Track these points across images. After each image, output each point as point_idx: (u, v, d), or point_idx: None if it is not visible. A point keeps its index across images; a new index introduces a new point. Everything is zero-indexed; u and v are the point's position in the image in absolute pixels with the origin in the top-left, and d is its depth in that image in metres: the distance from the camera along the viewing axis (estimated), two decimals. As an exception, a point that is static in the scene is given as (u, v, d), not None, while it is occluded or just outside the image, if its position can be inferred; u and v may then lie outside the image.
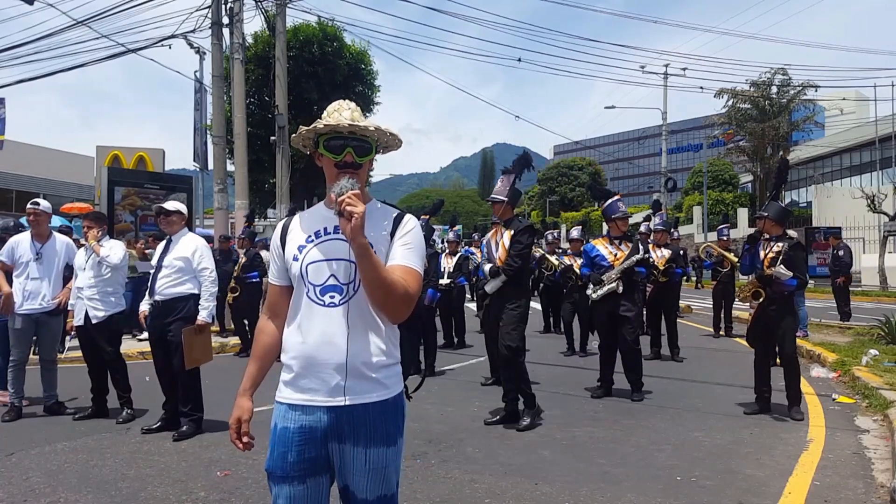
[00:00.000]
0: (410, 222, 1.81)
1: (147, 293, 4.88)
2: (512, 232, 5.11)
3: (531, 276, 10.70)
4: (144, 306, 4.92)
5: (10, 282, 5.36)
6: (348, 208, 1.54)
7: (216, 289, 4.95)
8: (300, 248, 1.78)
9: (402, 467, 1.85)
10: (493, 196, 5.26)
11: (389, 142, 1.88)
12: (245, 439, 1.82)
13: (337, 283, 1.73)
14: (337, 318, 1.71)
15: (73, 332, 5.33)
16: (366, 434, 1.70)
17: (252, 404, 1.86)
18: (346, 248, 1.70)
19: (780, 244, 5.25)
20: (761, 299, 5.25)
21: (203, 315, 4.79)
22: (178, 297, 4.77)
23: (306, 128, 1.78)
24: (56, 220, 13.70)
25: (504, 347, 4.93)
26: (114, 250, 5.14)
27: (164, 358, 4.83)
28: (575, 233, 9.63)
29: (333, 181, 1.70)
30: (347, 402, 1.69)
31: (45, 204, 5.50)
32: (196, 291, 4.85)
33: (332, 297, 1.72)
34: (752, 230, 5.83)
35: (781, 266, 5.10)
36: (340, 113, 1.80)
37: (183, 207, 5.02)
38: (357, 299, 1.71)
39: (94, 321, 5.13)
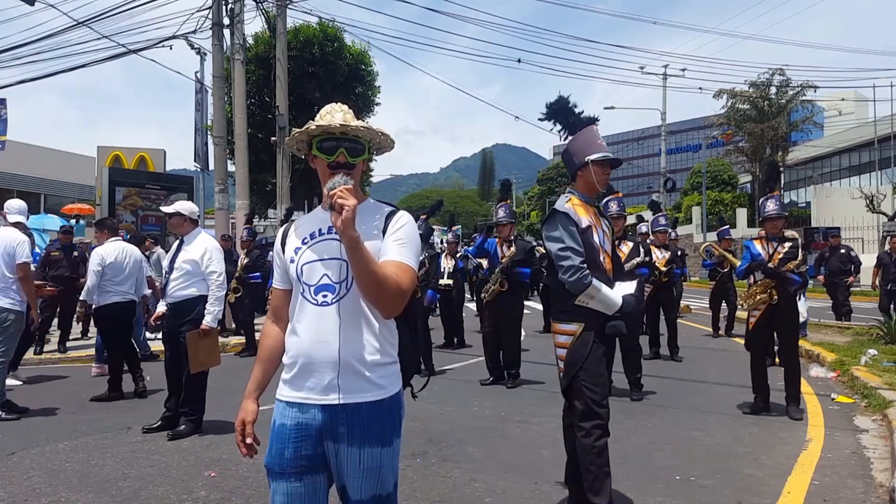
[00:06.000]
0: (402, 218, 1.81)
1: (161, 294, 4.93)
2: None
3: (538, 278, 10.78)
4: (161, 307, 4.95)
5: None
6: (339, 201, 1.55)
7: (223, 293, 4.89)
8: (296, 250, 1.81)
9: (400, 467, 1.86)
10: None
11: (382, 142, 1.89)
12: (249, 440, 1.83)
13: (330, 282, 1.74)
14: (329, 316, 1.72)
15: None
16: (360, 434, 1.70)
17: (257, 407, 1.88)
18: (338, 248, 1.72)
19: (787, 244, 5.27)
20: (774, 300, 5.19)
21: (207, 320, 4.71)
22: (188, 300, 4.77)
23: (299, 130, 1.79)
24: (56, 221, 13.72)
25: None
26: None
27: (174, 356, 4.85)
28: None
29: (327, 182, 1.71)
30: (341, 401, 1.70)
31: None
32: (206, 293, 4.80)
33: (324, 296, 1.74)
34: (752, 231, 5.83)
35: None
36: (333, 115, 1.81)
37: (182, 207, 4.82)
38: (349, 298, 1.72)
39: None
